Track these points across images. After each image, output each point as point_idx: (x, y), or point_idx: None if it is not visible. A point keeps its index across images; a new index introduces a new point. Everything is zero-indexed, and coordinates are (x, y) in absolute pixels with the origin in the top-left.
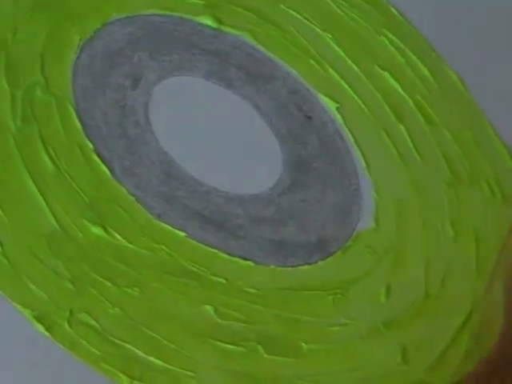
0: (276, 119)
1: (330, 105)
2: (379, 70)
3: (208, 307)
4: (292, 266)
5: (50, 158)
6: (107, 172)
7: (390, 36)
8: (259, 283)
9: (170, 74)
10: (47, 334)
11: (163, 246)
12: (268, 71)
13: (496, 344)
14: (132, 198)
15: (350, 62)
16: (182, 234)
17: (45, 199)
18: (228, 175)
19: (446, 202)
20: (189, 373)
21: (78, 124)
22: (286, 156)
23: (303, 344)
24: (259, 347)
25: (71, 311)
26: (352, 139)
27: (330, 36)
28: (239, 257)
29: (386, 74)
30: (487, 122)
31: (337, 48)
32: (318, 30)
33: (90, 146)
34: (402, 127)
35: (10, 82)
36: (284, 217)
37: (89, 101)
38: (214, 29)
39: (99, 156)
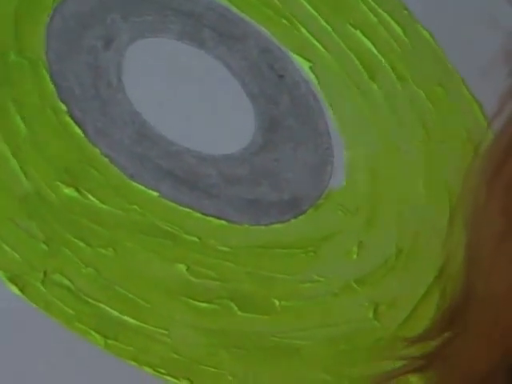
0: (248, 79)
1: (302, 64)
2: (351, 28)
3: (181, 266)
4: (265, 225)
5: (23, 121)
6: (80, 133)
7: None
8: (232, 242)
9: (142, 35)
10: (21, 294)
11: (136, 206)
12: (240, 31)
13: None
14: (105, 159)
15: (322, 21)
16: (155, 193)
17: (18, 162)
18: (201, 135)
19: (418, 159)
20: (162, 331)
21: (52, 86)
22: (258, 116)
23: (276, 301)
24: (232, 305)
25: (45, 272)
26: (325, 98)
27: None
28: (212, 216)
29: (359, 33)
30: (459, 78)
31: (309, 7)
32: None
33: (63, 108)
34: (374, 85)
35: None
36: (257, 176)
37: (62, 63)
38: None
39: (72, 118)
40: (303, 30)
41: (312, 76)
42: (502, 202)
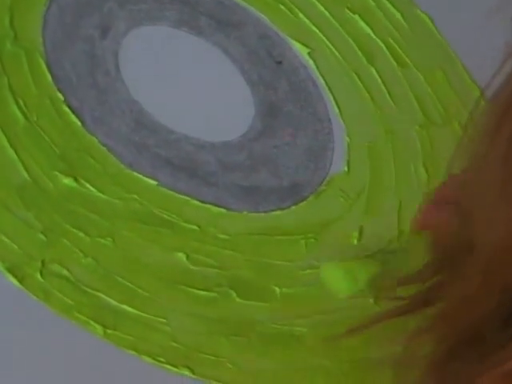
0: (247, 65)
1: (301, 50)
2: (350, 13)
3: (180, 254)
4: (264, 212)
5: (21, 111)
6: (78, 123)
7: None
8: (232, 229)
9: (139, 23)
10: (20, 285)
11: (135, 195)
12: (238, 18)
13: None
14: (103, 148)
15: (320, 6)
16: (154, 182)
17: (16, 151)
18: (199, 122)
19: (418, 144)
20: (162, 320)
21: (48, 76)
22: (257, 102)
23: (276, 288)
24: (232, 292)
25: (43, 262)
26: (324, 84)
27: None
28: (211, 203)
29: (357, 18)
30: (459, 62)
31: None
32: None
33: (61, 97)
34: (373, 70)
35: None
36: (256, 163)
37: (59, 52)
38: None
39: (70, 107)
40: (301, 16)
41: (311, 61)
42: (503, 151)
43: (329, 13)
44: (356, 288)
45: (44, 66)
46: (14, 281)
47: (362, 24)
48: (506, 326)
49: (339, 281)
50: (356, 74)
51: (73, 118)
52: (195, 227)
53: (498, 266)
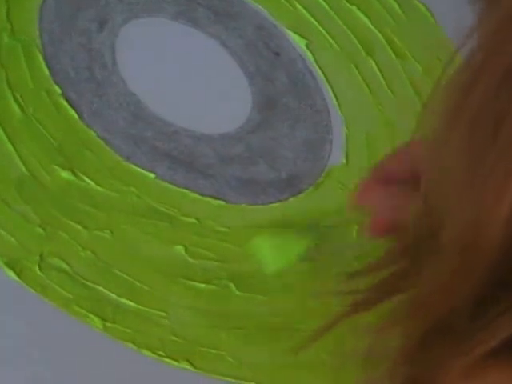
0: (244, 57)
1: (299, 41)
2: (347, 4)
3: (179, 247)
4: (263, 204)
5: (18, 104)
6: (75, 116)
7: None
8: (230, 222)
9: (136, 15)
10: (18, 279)
11: (133, 188)
12: (235, 9)
13: None
14: (100, 141)
15: None
16: (151, 175)
17: (13, 145)
18: (197, 115)
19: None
20: (161, 313)
21: (46, 69)
22: (255, 94)
23: (276, 281)
24: (231, 285)
25: (42, 256)
26: (322, 75)
27: None
28: (210, 196)
29: (355, 9)
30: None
31: None
32: None
33: (58, 90)
34: (372, 61)
35: None
36: (254, 155)
37: (56, 45)
38: None
39: (67, 100)
40: (299, 7)
41: (308, 53)
42: (464, 138)
43: (327, 4)
44: (287, 262)
45: (41, 59)
46: (13, 275)
47: (360, 15)
48: (475, 316)
49: (269, 254)
50: (354, 65)
51: (70, 111)
52: (194, 220)
53: (466, 258)
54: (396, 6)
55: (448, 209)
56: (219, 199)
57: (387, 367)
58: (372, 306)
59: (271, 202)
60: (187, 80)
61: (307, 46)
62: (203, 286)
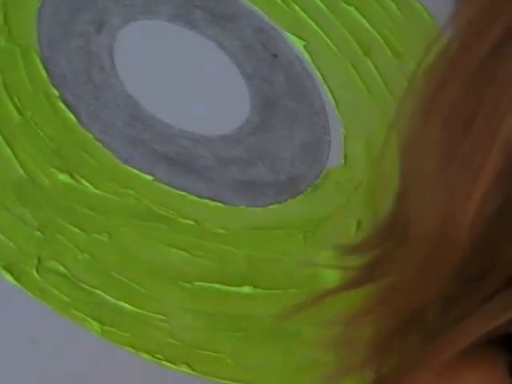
0: (242, 59)
1: (296, 43)
2: (345, 5)
3: (178, 250)
4: (262, 206)
5: (15, 107)
6: (73, 118)
7: None
8: (229, 224)
9: (134, 18)
10: (16, 283)
11: (131, 191)
12: (233, 11)
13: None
14: (98, 144)
15: None
16: (150, 177)
17: (11, 148)
18: (195, 117)
19: None
20: (160, 316)
21: (43, 72)
22: (253, 95)
23: (275, 283)
24: (230, 288)
25: (40, 259)
26: (320, 76)
27: None
28: (208, 198)
29: (352, 9)
30: None
31: None
32: None
33: (56, 93)
34: (369, 62)
35: None
36: (253, 157)
37: (53, 48)
38: None
39: (65, 103)
40: (296, 8)
41: (306, 54)
42: (438, 132)
43: (324, 5)
44: None
45: (39, 62)
46: (10, 278)
47: (358, 16)
48: (446, 310)
49: None
50: (352, 66)
51: (68, 113)
52: (192, 222)
53: (434, 254)
54: (393, 6)
55: (421, 201)
56: (218, 201)
57: (358, 358)
58: (359, 286)
59: (270, 204)
60: (185, 82)
61: (305, 47)
62: (202, 288)
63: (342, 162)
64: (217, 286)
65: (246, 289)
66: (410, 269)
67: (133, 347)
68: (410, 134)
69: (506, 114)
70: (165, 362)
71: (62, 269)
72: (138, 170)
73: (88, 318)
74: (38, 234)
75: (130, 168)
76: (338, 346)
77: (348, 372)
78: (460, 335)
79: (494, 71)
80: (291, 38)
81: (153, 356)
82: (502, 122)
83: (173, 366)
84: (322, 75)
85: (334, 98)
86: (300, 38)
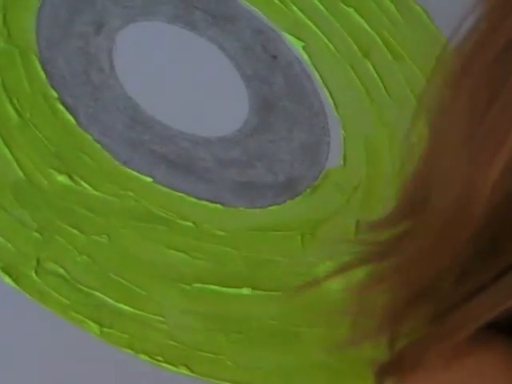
0: (241, 60)
1: (295, 44)
2: (344, 6)
3: (177, 252)
4: (261, 207)
5: (14, 108)
6: (72, 120)
7: None
8: (228, 225)
9: (133, 19)
10: (15, 285)
11: (130, 192)
12: (232, 12)
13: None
14: (97, 145)
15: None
16: (149, 179)
17: (10, 149)
18: (194, 118)
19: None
20: (159, 318)
21: (42, 73)
22: (252, 97)
23: (274, 284)
24: (229, 289)
25: (38, 261)
26: (319, 78)
27: None
28: (207, 200)
29: (351, 11)
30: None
31: None
32: None
33: (55, 94)
34: (368, 63)
35: None
36: (252, 158)
37: (52, 49)
38: None
39: (64, 104)
40: (295, 9)
41: (305, 55)
42: (465, 104)
43: (323, 6)
44: None
45: (38, 64)
46: (9, 280)
47: (357, 17)
48: (460, 283)
49: None
50: (351, 67)
51: (67, 115)
52: (191, 224)
53: (451, 224)
54: (393, 8)
55: (444, 171)
56: (217, 203)
57: (373, 327)
58: (373, 263)
59: (269, 205)
60: (185, 83)
61: (304, 48)
62: (201, 290)
63: (342, 163)
64: (216, 287)
65: (245, 290)
66: (426, 238)
67: (132, 349)
68: (438, 108)
69: None
70: (164, 364)
71: (60, 271)
72: (138, 171)
73: (87, 320)
74: (37, 235)
75: (129, 170)
76: (352, 313)
77: (362, 340)
78: (472, 313)
79: None
80: (290, 40)
81: (152, 358)
82: None
83: (172, 368)
84: (321, 76)
85: (333, 99)
86: (299, 39)
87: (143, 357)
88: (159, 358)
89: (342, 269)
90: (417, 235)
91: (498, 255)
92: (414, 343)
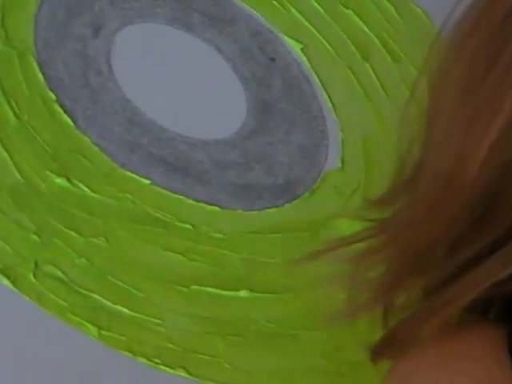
0: (239, 62)
1: (294, 46)
2: (343, 9)
3: (175, 254)
4: (259, 210)
5: (12, 111)
6: (70, 122)
7: None
8: (226, 228)
9: (131, 21)
10: (13, 287)
11: (128, 195)
12: (230, 14)
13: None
14: (95, 148)
15: (313, 1)
16: (147, 181)
17: (8, 152)
18: (192, 121)
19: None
20: (157, 320)
21: (40, 75)
22: (250, 99)
23: (272, 287)
24: (227, 292)
25: (36, 263)
26: (318, 80)
27: None
28: (205, 202)
29: (350, 13)
30: None
31: None
32: None
33: (53, 96)
34: (367, 65)
35: None
36: (250, 160)
37: (50, 51)
38: None
39: (62, 107)
40: (294, 11)
41: (304, 58)
42: (461, 75)
43: (322, 8)
44: None
45: (36, 66)
46: (7, 282)
47: (356, 19)
48: (453, 254)
49: None
50: (350, 69)
51: (65, 117)
52: (189, 226)
53: (443, 194)
54: (392, 10)
55: (439, 137)
56: (215, 205)
57: (366, 299)
58: (376, 235)
59: (267, 208)
60: (182, 85)
61: (302, 50)
62: (199, 292)
63: (340, 165)
64: (213, 290)
65: (243, 293)
66: (420, 208)
67: (130, 351)
68: (436, 76)
69: None
70: (162, 366)
71: (58, 273)
72: (136, 173)
73: (85, 323)
74: (35, 238)
75: (127, 172)
76: (348, 284)
77: (357, 311)
78: (463, 287)
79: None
80: (289, 42)
81: (150, 360)
82: None
83: (170, 370)
84: (319, 79)
85: (332, 101)
86: (297, 41)
87: (141, 359)
88: (157, 360)
89: (342, 242)
90: (411, 205)
91: (489, 227)
92: (407, 319)
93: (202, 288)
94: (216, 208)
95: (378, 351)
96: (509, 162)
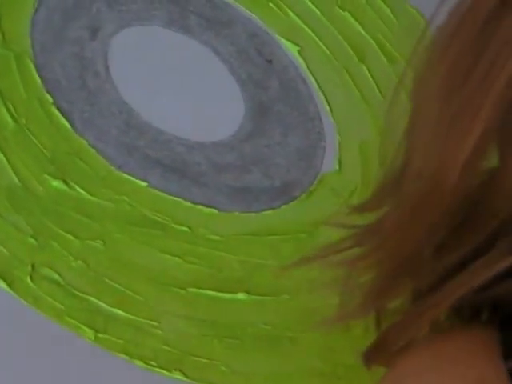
0: (236, 64)
1: (291, 48)
2: (340, 11)
3: (172, 256)
4: (256, 212)
5: (9, 113)
6: (67, 125)
7: None
8: (223, 230)
9: (128, 23)
10: (9, 290)
11: (125, 197)
12: (227, 16)
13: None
14: (92, 150)
15: (310, 4)
16: (144, 183)
17: (5, 155)
18: (189, 123)
19: None
20: (153, 323)
21: (37, 78)
22: (247, 101)
23: (269, 289)
24: (224, 294)
25: (33, 266)
26: (314, 82)
27: None
28: (202, 204)
29: (347, 15)
30: None
31: None
32: None
33: (50, 99)
34: (364, 68)
35: None
36: (247, 163)
37: (48, 54)
38: None
39: (59, 109)
40: (291, 14)
41: (301, 60)
42: (442, 81)
43: (319, 10)
44: None
45: (33, 69)
46: (4, 285)
47: (353, 21)
48: (438, 257)
49: None
50: (347, 71)
51: (62, 120)
52: (186, 229)
53: (425, 199)
54: (388, 12)
55: (421, 144)
56: (212, 207)
57: (358, 304)
58: (364, 242)
59: (264, 210)
60: (179, 88)
61: (299, 52)
62: (196, 294)
63: (337, 167)
64: (211, 292)
65: (240, 295)
66: (405, 208)
67: (126, 354)
68: (419, 81)
69: (503, 66)
70: (158, 369)
71: (55, 276)
72: (133, 176)
73: (82, 325)
74: (32, 240)
75: (124, 174)
76: (338, 290)
77: (348, 317)
78: (449, 290)
79: (495, 29)
80: (286, 44)
81: (146, 363)
82: (500, 74)
83: (166, 373)
84: (316, 81)
85: (329, 103)
86: (294, 43)
87: (138, 362)
88: (153, 362)
89: (331, 249)
90: (397, 208)
91: (470, 234)
92: (395, 324)
93: (199, 290)
94: (213, 210)
95: (370, 357)
96: (489, 170)
